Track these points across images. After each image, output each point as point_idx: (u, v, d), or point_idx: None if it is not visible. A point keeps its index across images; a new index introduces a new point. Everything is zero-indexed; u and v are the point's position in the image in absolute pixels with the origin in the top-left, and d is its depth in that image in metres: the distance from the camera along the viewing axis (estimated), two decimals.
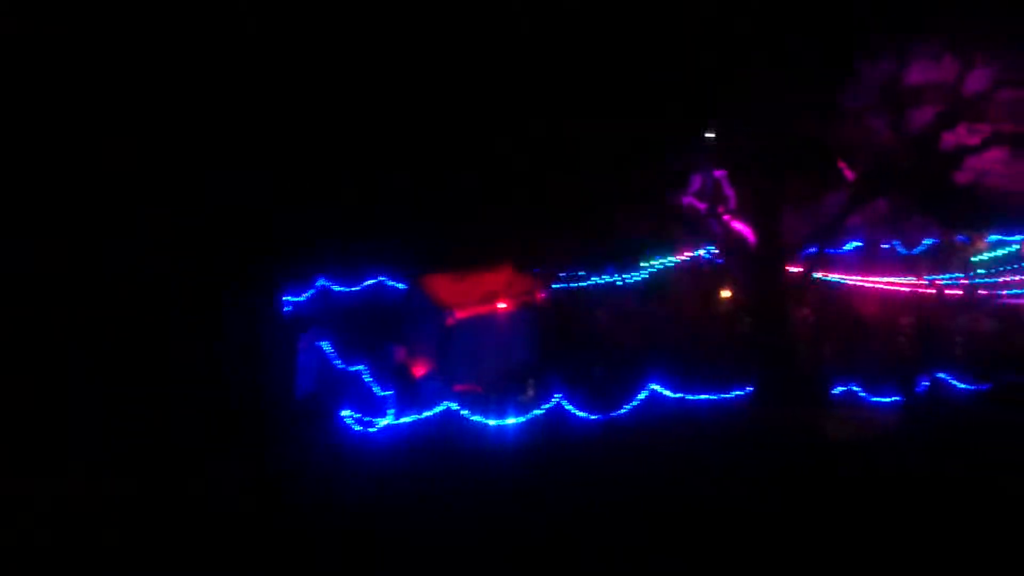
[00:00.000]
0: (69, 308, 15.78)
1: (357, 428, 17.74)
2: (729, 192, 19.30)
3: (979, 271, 21.78)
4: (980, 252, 22.52)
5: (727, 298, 21.50)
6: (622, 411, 18.38)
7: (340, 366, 19.28)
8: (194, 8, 16.84)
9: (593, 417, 18.18)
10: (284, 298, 20.06)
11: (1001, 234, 22.49)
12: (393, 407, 18.01)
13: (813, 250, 19.53)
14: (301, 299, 20.63)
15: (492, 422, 17.94)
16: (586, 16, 16.85)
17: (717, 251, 20.52)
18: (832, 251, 20.59)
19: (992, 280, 21.53)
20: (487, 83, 17.74)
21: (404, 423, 17.85)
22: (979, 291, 21.28)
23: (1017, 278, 21.34)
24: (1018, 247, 22.38)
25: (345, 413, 17.90)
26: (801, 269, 19.78)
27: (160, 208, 16.57)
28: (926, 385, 18.17)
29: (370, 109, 18.88)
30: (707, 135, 17.61)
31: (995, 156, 18.89)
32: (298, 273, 19.96)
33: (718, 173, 19.25)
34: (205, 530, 11.47)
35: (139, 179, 16.54)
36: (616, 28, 16.37)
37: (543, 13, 16.75)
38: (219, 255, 17.03)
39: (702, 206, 19.24)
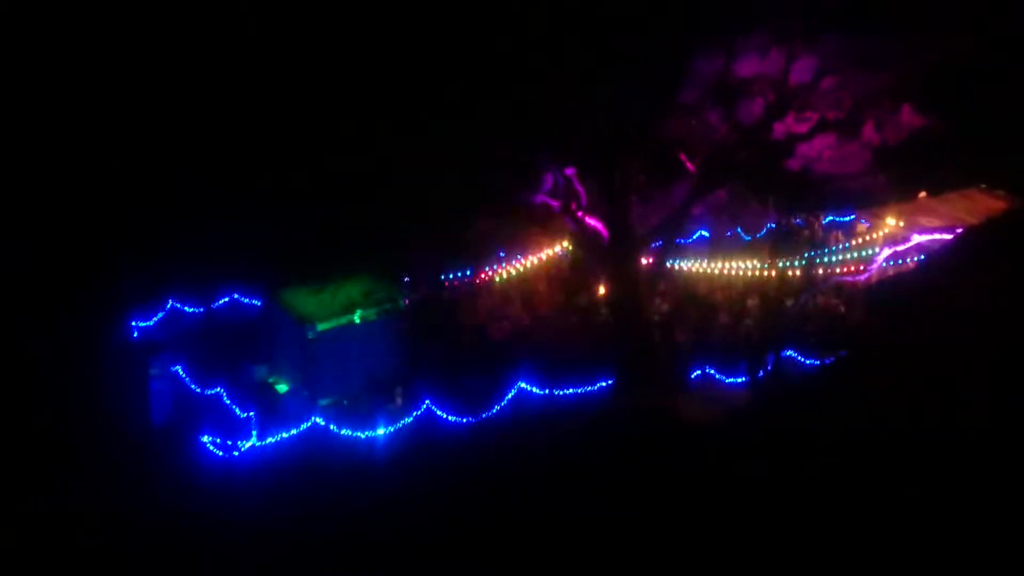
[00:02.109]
0: None
1: (219, 453, 17.14)
2: (580, 189, 19.65)
3: (817, 252, 23.13)
4: (816, 234, 23.97)
5: (587, 292, 21.98)
6: (492, 412, 18.50)
7: (196, 390, 18.54)
8: None
9: (463, 420, 18.23)
10: (131, 322, 19.14)
11: (834, 216, 24.07)
12: (256, 428, 17.46)
13: (662, 241, 20.20)
14: (150, 323, 19.73)
15: (361, 434, 17.70)
16: (429, 20, 16.86)
17: (573, 247, 20.93)
18: (680, 241, 21.40)
19: (830, 260, 22.90)
20: (333, 87, 17.48)
21: (269, 444, 17.35)
22: (818, 271, 22.57)
23: (851, 256, 22.79)
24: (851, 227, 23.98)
25: (205, 439, 17.24)
26: (652, 260, 20.44)
27: None
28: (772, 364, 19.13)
29: (213, 117, 18.27)
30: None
31: (823, 142, 19.98)
32: (145, 295, 19.09)
33: (568, 171, 19.56)
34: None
35: None
36: (451, 31, 16.43)
37: (379, 23, 16.66)
38: (54, 277, 16.07)
39: (555, 204, 19.54)
